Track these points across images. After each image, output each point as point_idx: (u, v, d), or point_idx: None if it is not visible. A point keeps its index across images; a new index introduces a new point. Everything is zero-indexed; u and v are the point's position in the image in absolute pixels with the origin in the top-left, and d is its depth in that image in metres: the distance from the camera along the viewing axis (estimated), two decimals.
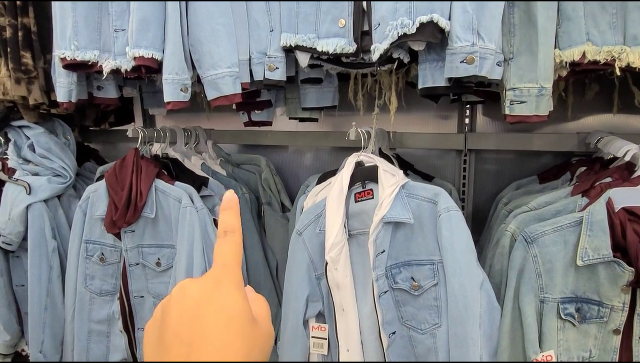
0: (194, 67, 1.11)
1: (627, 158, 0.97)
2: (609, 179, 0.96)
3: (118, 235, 1.29)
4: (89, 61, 1.14)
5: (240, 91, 1.10)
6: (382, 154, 1.21)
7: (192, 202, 1.22)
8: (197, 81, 1.13)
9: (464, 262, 0.96)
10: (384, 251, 1.01)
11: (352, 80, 1.35)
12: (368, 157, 1.07)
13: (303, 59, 1.07)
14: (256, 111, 1.44)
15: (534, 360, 0.91)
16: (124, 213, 1.24)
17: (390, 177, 1.02)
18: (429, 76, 0.94)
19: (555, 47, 0.90)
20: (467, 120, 1.44)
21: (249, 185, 1.50)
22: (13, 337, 1.57)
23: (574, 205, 0.96)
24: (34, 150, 1.50)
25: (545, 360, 0.91)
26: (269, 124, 1.49)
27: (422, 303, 1.02)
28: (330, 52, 1.02)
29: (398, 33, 0.86)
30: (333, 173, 1.17)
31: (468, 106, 1.43)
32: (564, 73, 0.94)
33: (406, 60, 0.98)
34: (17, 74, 1.34)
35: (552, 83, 0.91)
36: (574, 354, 0.93)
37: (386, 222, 0.99)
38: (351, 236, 1.06)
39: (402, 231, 1.02)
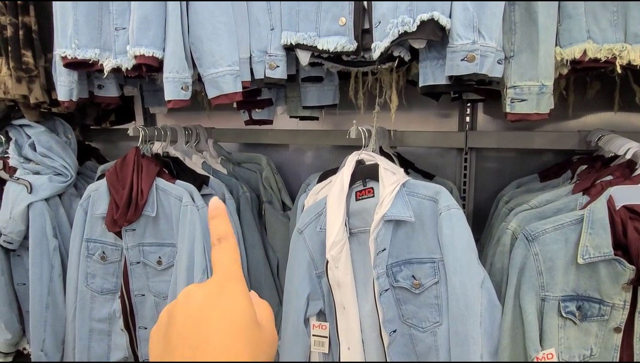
0: (194, 66, 1.10)
1: (628, 156, 0.97)
2: (610, 177, 0.96)
3: (119, 234, 1.29)
4: (90, 60, 1.14)
5: (240, 90, 1.10)
6: (382, 153, 1.21)
7: (193, 201, 1.22)
8: (198, 80, 1.13)
9: (464, 260, 0.95)
10: (384, 249, 1.01)
11: (353, 79, 1.35)
12: (369, 156, 1.07)
13: (304, 58, 1.07)
14: (257, 110, 1.44)
15: (535, 359, 0.91)
16: (125, 212, 1.24)
17: (391, 176, 1.02)
18: (430, 74, 0.93)
19: (556, 45, 0.90)
20: (467, 119, 1.44)
21: (249, 183, 1.50)
22: (14, 335, 1.58)
23: (574, 203, 0.96)
24: (35, 149, 1.50)
25: (546, 359, 0.91)
26: (270, 122, 1.49)
27: (422, 301, 1.02)
28: (331, 51, 1.01)
29: (399, 31, 0.85)
30: (334, 171, 1.17)
31: (469, 104, 1.43)
32: (565, 71, 0.93)
33: (407, 58, 0.98)
34: (18, 72, 1.34)
35: (553, 81, 0.91)
36: (575, 352, 0.93)
37: (387, 220, 0.99)
38: (352, 234, 1.06)
39: (403, 229, 1.02)
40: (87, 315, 1.38)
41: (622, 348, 0.92)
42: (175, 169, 1.37)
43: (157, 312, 1.32)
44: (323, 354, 1.11)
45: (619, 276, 0.87)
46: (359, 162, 1.07)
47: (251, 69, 1.12)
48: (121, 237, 1.29)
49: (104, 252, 1.34)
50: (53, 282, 1.46)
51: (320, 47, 1.02)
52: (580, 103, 1.32)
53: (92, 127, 1.87)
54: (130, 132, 1.37)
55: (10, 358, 1.63)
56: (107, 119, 1.79)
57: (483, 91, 1.21)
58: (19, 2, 1.31)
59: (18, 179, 1.45)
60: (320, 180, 1.21)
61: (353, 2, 0.98)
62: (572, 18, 0.89)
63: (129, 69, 1.10)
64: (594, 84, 1.27)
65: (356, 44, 1.00)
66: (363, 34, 1.00)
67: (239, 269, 0.36)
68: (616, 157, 1.05)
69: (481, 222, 1.38)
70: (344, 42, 1.00)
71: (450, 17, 0.85)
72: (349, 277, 1.04)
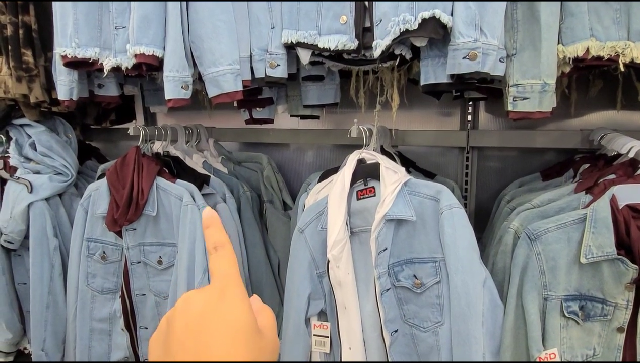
0: (194, 65, 1.10)
1: (631, 155, 0.96)
2: (612, 176, 0.95)
3: (119, 234, 1.29)
4: (90, 59, 1.14)
5: (241, 88, 1.09)
6: (384, 152, 1.20)
7: (194, 200, 1.22)
8: (199, 79, 1.13)
9: (466, 259, 0.95)
10: (386, 249, 1.00)
11: (354, 78, 1.35)
12: (370, 155, 1.07)
13: (304, 56, 1.07)
14: (257, 109, 1.43)
15: (537, 359, 0.91)
16: (126, 211, 1.24)
17: (393, 175, 1.01)
18: (431, 73, 0.93)
19: (558, 43, 0.90)
20: (469, 117, 1.43)
21: (250, 183, 1.50)
22: (15, 335, 1.58)
23: (577, 202, 0.96)
24: (35, 149, 1.50)
25: (549, 359, 0.90)
26: (271, 121, 1.48)
27: (424, 301, 1.01)
28: (331, 49, 1.01)
29: (400, 29, 0.85)
30: (335, 171, 1.17)
31: (470, 103, 1.42)
32: (567, 69, 0.93)
33: (408, 56, 0.97)
34: (18, 72, 1.34)
35: (555, 79, 0.90)
36: (577, 352, 0.93)
37: (388, 219, 0.99)
38: (353, 234, 1.05)
39: (404, 229, 1.01)
40: (88, 315, 1.37)
41: (625, 348, 0.91)
42: (175, 168, 1.37)
43: (157, 312, 1.32)
44: (324, 354, 1.11)
45: (622, 275, 0.87)
46: (360, 161, 1.06)
47: (252, 68, 1.12)
48: (122, 237, 1.29)
49: (104, 252, 1.33)
50: (54, 281, 1.46)
51: (321, 45, 1.02)
52: (583, 101, 1.31)
53: (92, 127, 1.87)
54: (131, 132, 1.36)
55: (11, 358, 1.63)
56: (107, 118, 1.78)
57: (485, 90, 1.21)
58: (19, 1, 1.30)
59: (18, 178, 1.45)
60: (321, 179, 1.21)
61: (354, 1, 0.98)
62: (574, 16, 0.88)
63: (129, 67, 1.10)
64: (596, 82, 1.26)
65: (357, 42, 0.99)
66: (364, 32, 0.99)
67: (237, 275, 0.36)
68: (619, 155, 1.04)
69: (483, 221, 1.38)
70: (345, 41, 1.00)
71: (451, 14, 0.84)
72: (350, 277, 1.04)
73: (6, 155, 1.51)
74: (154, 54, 1.05)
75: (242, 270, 1.37)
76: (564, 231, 0.90)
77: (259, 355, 0.33)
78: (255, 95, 1.33)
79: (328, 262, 1.04)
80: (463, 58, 0.85)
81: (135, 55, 1.05)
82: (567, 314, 0.91)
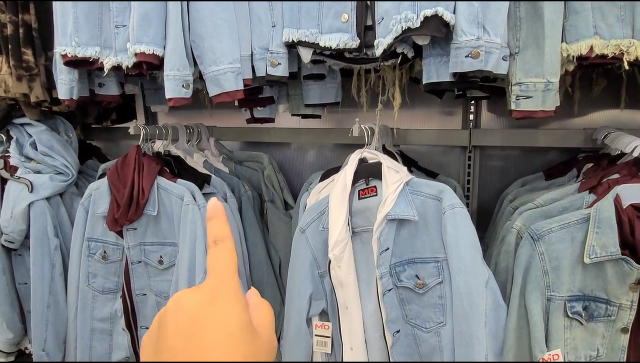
0: (195, 63, 1.10)
1: (635, 154, 0.96)
2: (616, 175, 0.95)
3: (120, 233, 1.29)
4: (90, 58, 1.13)
5: (242, 87, 1.09)
6: (385, 151, 1.20)
7: (195, 200, 1.22)
8: (199, 78, 1.12)
9: (469, 259, 0.94)
10: (387, 249, 1.00)
11: (355, 76, 1.34)
12: (372, 154, 1.06)
13: (306, 55, 1.06)
14: (258, 108, 1.43)
15: (541, 360, 0.90)
16: (126, 211, 1.23)
17: (394, 174, 1.01)
18: (434, 71, 0.92)
19: (562, 41, 0.89)
20: (471, 116, 1.43)
21: (251, 182, 1.49)
22: (16, 335, 1.57)
23: (581, 202, 0.95)
24: (36, 148, 1.49)
25: (552, 360, 0.90)
26: (272, 120, 1.48)
27: (426, 301, 1.00)
28: (333, 48, 1.00)
29: (402, 27, 0.84)
30: (336, 170, 1.16)
31: (473, 102, 1.41)
32: (571, 67, 0.92)
33: (410, 55, 0.96)
34: (19, 71, 1.33)
35: (559, 78, 0.90)
36: (581, 353, 0.92)
37: (390, 219, 0.98)
38: (355, 234, 1.05)
39: (406, 228, 1.00)
40: (89, 315, 1.37)
41: (629, 349, 0.91)
42: (176, 168, 1.37)
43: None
44: (326, 354, 1.10)
45: (626, 276, 0.86)
46: (362, 161, 1.06)
47: (252, 67, 1.11)
48: (122, 236, 1.29)
49: (105, 252, 1.33)
50: (54, 281, 1.45)
51: (322, 44, 1.01)
52: (586, 100, 1.30)
53: (93, 126, 1.87)
54: (131, 131, 1.36)
55: (12, 358, 1.63)
56: (108, 117, 1.78)
57: (487, 88, 1.20)
58: (19, 0, 1.30)
59: (19, 178, 1.45)
60: (323, 178, 1.20)
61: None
62: (578, 13, 0.87)
63: (130, 66, 1.09)
64: (600, 81, 1.25)
65: (359, 40, 0.99)
66: (366, 31, 0.99)
67: (234, 274, 0.35)
68: (623, 155, 1.03)
69: (485, 221, 1.37)
70: (346, 39, 0.99)
71: (454, 12, 0.84)
72: (351, 277, 1.03)
73: (7, 154, 1.51)
74: (155, 52, 1.04)
75: (243, 270, 1.37)
76: (568, 231, 0.89)
77: (255, 356, 0.32)
78: (256, 94, 1.33)
79: (329, 262, 1.03)
80: (466, 56, 0.84)
81: (136, 54, 1.04)
82: (570, 315, 0.90)
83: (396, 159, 1.18)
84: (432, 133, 1.43)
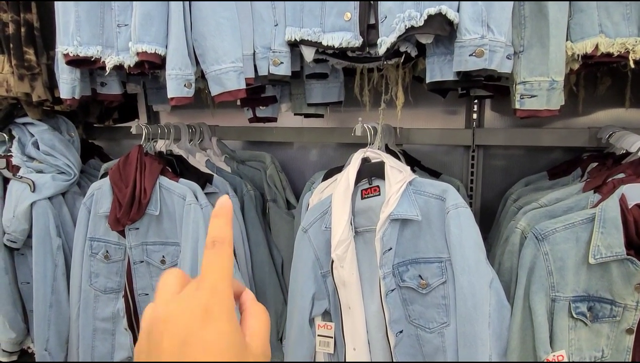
0: (197, 63, 1.09)
1: None
2: (621, 175, 0.94)
3: (122, 233, 1.28)
4: (92, 57, 1.13)
5: (244, 86, 1.08)
6: (388, 150, 1.19)
7: (197, 199, 1.21)
8: (202, 77, 1.12)
9: (472, 259, 0.94)
10: (390, 249, 0.99)
11: (358, 75, 1.33)
12: (374, 153, 1.06)
13: (308, 54, 1.05)
14: (261, 107, 1.43)
15: (545, 360, 0.89)
16: (128, 210, 1.23)
17: (397, 174, 1.00)
18: (437, 70, 0.91)
19: (567, 40, 0.88)
20: (475, 116, 1.42)
21: (254, 182, 1.49)
22: (19, 334, 1.57)
23: (585, 201, 0.94)
24: (38, 148, 1.49)
25: (557, 360, 0.89)
26: (274, 120, 1.48)
27: (430, 301, 1.00)
28: (336, 47, 1.00)
29: (405, 26, 0.84)
30: (339, 169, 1.16)
31: (476, 101, 1.41)
32: (576, 66, 0.91)
33: (413, 54, 0.96)
34: (20, 70, 1.33)
35: (563, 76, 0.89)
36: (585, 354, 0.91)
37: (393, 219, 0.98)
38: (357, 233, 1.04)
39: (409, 228, 1.00)
40: (91, 315, 1.37)
41: (634, 350, 0.90)
42: (178, 167, 1.36)
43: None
44: (328, 354, 1.10)
45: (632, 276, 0.85)
46: (365, 160, 1.05)
47: (255, 66, 1.11)
48: (124, 236, 1.28)
49: (107, 251, 1.33)
50: (57, 280, 1.45)
51: (325, 43, 1.01)
52: (591, 99, 1.29)
53: (95, 125, 1.87)
54: (133, 130, 1.36)
55: (14, 357, 1.63)
56: (110, 116, 1.78)
57: (491, 87, 1.19)
58: None
59: (21, 177, 1.45)
60: (325, 178, 1.19)
61: None
62: (583, 11, 0.86)
63: (132, 66, 1.09)
64: (604, 80, 1.24)
65: (362, 39, 0.98)
66: (369, 29, 0.98)
67: (228, 285, 0.34)
68: (628, 154, 1.02)
69: (488, 221, 1.36)
70: (349, 38, 0.98)
71: (458, 11, 0.83)
72: (354, 277, 1.03)
73: (9, 154, 1.50)
74: (157, 52, 1.04)
75: (245, 270, 1.37)
76: (572, 231, 0.89)
77: None
78: (258, 93, 1.33)
79: (332, 261, 1.02)
80: (470, 55, 0.83)
81: (138, 53, 1.04)
82: (575, 315, 0.90)
83: (399, 159, 1.17)
84: (435, 132, 1.43)
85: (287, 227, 1.43)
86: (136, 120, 1.85)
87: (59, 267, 1.46)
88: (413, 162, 1.34)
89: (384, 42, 0.90)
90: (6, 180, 1.49)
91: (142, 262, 1.30)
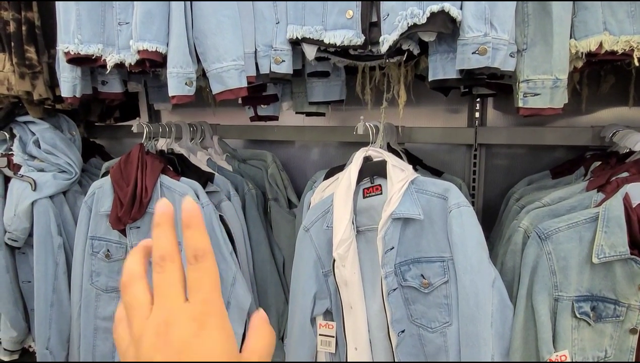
0: (198, 61, 1.09)
1: None
2: (625, 174, 0.93)
3: (123, 232, 1.28)
4: (93, 55, 1.13)
5: (245, 85, 1.08)
6: (390, 149, 1.18)
7: (198, 198, 1.21)
8: (203, 75, 1.12)
9: (475, 259, 0.93)
10: (392, 248, 0.99)
11: (360, 74, 1.33)
12: (376, 152, 1.05)
13: (310, 52, 1.05)
14: (262, 106, 1.42)
15: (548, 360, 0.89)
16: (129, 209, 1.23)
17: (400, 172, 1.00)
18: (440, 68, 0.91)
19: (570, 37, 0.87)
20: (477, 114, 1.41)
21: (255, 180, 1.48)
22: (20, 333, 1.57)
23: (589, 200, 0.94)
24: (39, 146, 1.49)
25: (560, 360, 0.89)
26: (276, 118, 1.47)
27: (432, 301, 0.99)
28: (337, 45, 0.99)
29: (408, 23, 0.83)
30: (341, 168, 1.15)
31: (478, 99, 1.40)
32: (580, 64, 0.91)
33: (416, 51, 0.95)
34: (21, 68, 1.33)
35: (567, 75, 0.88)
36: (589, 354, 0.91)
37: (395, 218, 0.97)
38: (359, 232, 1.04)
39: (411, 227, 0.99)
40: (92, 314, 1.36)
41: (638, 350, 0.89)
42: (179, 166, 1.36)
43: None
44: (330, 354, 1.09)
45: (636, 276, 0.85)
46: (367, 159, 1.05)
47: (256, 64, 1.10)
48: (125, 235, 1.28)
49: (108, 250, 1.33)
50: (58, 279, 1.45)
51: (326, 41, 1.00)
52: (594, 97, 1.29)
53: (96, 124, 1.87)
54: (134, 129, 1.35)
55: (16, 356, 1.63)
56: (111, 115, 1.78)
57: (494, 85, 1.19)
58: None
59: (22, 176, 1.44)
60: (327, 177, 1.19)
61: None
62: (587, 9, 0.86)
63: (133, 64, 1.09)
64: (608, 78, 1.23)
65: (364, 37, 0.97)
66: (371, 27, 0.97)
67: (218, 296, 0.33)
68: (631, 153, 1.02)
69: (491, 220, 1.36)
70: (351, 36, 0.98)
71: (461, 8, 0.82)
72: (356, 276, 1.02)
73: (10, 152, 1.50)
74: (158, 50, 1.04)
75: (247, 269, 1.36)
76: (576, 230, 0.88)
77: None
78: (260, 91, 1.32)
79: (334, 261, 1.02)
80: (472, 53, 0.83)
81: (139, 52, 1.04)
82: (578, 315, 0.89)
83: (401, 157, 1.17)
84: (437, 131, 1.42)
85: (288, 226, 1.43)
86: (137, 118, 1.85)
87: (60, 266, 1.46)
88: (415, 161, 1.34)
89: (386, 40, 0.89)
90: (7, 179, 1.49)
91: None
